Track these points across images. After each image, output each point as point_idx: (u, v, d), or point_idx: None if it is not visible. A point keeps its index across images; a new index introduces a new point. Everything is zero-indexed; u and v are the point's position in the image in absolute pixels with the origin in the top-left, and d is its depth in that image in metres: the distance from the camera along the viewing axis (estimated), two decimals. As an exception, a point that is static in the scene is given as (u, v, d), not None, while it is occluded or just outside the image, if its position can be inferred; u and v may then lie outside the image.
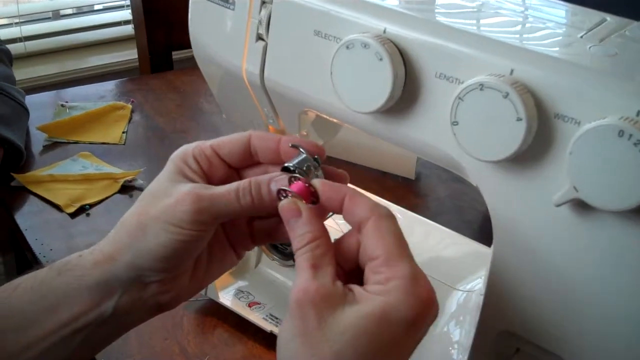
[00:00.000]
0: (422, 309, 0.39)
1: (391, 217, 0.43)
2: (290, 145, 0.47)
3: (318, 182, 0.45)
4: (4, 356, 0.48)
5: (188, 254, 0.47)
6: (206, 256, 0.51)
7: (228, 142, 0.49)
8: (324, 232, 0.43)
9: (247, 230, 0.51)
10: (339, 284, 0.41)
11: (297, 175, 0.45)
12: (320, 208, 0.44)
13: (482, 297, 0.50)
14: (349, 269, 0.44)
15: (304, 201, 0.44)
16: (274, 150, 0.47)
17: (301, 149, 0.46)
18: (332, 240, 0.44)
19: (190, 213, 0.45)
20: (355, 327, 0.38)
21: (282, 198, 0.45)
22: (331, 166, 0.48)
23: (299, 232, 0.43)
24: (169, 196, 0.46)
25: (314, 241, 0.42)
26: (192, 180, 0.48)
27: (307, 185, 0.44)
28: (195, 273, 0.50)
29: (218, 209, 0.46)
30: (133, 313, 0.49)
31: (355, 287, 0.41)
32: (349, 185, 0.46)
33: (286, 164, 0.46)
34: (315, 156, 0.46)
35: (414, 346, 0.40)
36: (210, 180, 0.49)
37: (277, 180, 0.46)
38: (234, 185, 0.46)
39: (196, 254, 0.48)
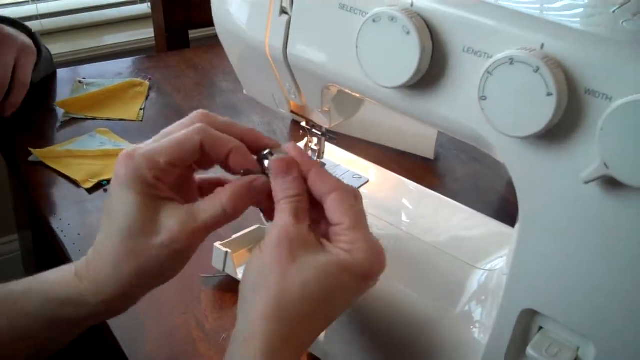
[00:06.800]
0: (377, 269, 0.48)
1: (354, 192, 0.50)
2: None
3: (292, 148, 0.51)
4: None
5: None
6: None
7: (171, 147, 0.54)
8: (305, 191, 0.50)
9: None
10: (313, 235, 0.48)
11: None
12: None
13: (504, 277, 0.50)
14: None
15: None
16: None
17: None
18: None
19: (182, 251, 0.50)
20: (323, 267, 0.46)
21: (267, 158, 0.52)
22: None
23: (285, 186, 0.49)
24: (156, 234, 0.49)
25: (298, 196, 0.49)
26: (167, 197, 0.50)
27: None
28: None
29: (209, 225, 0.49)
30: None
31: (325, 242, 0.48)
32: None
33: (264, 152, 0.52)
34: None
35: (362, 294, 0.49)
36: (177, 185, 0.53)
37: (256, 178, 0.51)
38: (217, 200, 0.49)
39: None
